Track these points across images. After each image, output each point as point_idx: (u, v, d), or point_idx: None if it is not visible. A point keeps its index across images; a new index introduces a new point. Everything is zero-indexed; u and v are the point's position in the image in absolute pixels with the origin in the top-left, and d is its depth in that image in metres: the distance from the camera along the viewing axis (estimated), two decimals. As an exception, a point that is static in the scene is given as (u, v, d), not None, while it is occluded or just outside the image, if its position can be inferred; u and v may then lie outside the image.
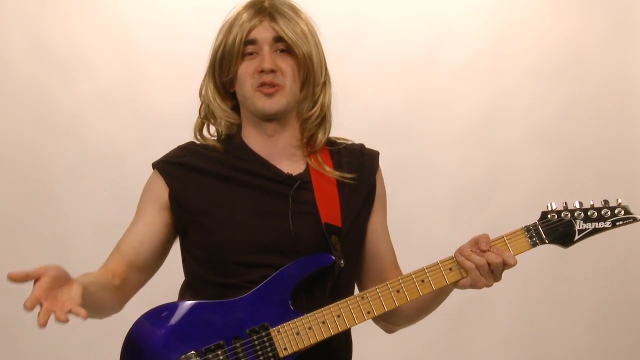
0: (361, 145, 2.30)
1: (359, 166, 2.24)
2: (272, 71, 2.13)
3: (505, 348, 3.95)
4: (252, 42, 2.15)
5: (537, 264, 3.83)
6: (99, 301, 2.06)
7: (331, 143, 2.27)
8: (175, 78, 3.80)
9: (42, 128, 3.82)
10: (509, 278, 3.76)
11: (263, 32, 2.15)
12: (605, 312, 3.98)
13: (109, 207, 3.81)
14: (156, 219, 2.19)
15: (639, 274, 3.98)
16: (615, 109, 3.96)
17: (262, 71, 2.13)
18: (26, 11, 3.81)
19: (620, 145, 3.97)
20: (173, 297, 2.19)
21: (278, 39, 2.15)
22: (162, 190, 2.19)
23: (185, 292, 2.21)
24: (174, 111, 3.74)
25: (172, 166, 2.20)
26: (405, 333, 2.37)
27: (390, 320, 2.26)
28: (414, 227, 3.75)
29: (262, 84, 2.13)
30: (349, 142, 2.29)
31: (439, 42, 3.91)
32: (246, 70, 2.15)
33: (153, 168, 2.23)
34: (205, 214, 2.15)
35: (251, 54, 2.16)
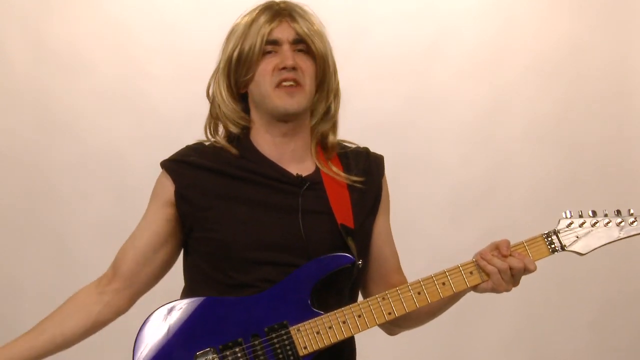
0: (366, 149, 2.30)
1: (367, 170, 2.25)
2: (294, 68, 2.13)
3: (506, 348, 3.93)
4: (274, 42, 2.15)
5: (536, 264, 3.80)
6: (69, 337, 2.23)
7: (338, 146, 2.27)
8: (176, 77, 3.80)
9: (42, 126, 3.81)
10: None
11: (285, 32, 2.15)
12: (605, 312, 3.97)
13: (110, 205, 3.79)
14: (157, 215, 2.18)
15: (639, 274, 3.98)
16: (615, 106, 3.98)
17: (284, 68, 2.13)
18: (26, 10, 3.80)
19: (620, 142, 3.99)
20: (172, 297, 2.14)
21: (298, 40, 2.16)
22: (167, 188, 2.18)
23: (186, 296, 2.16)
24: (174, 109, 3.76)
25: (178, 164, 2.19)
26: (408, 332, 2.33)
27: (397, 323, 2.23)
28: (413, 225, 3.72)
29: (283, 81, 2.13)
30: (355, 146, 2.30)
31: (438, 39, 3.92)
32: (265, 69, 2.14)
33: (161, 168, 2.21)
34: (211, 209, 2.13)
35: (269, 52, 2.15)
